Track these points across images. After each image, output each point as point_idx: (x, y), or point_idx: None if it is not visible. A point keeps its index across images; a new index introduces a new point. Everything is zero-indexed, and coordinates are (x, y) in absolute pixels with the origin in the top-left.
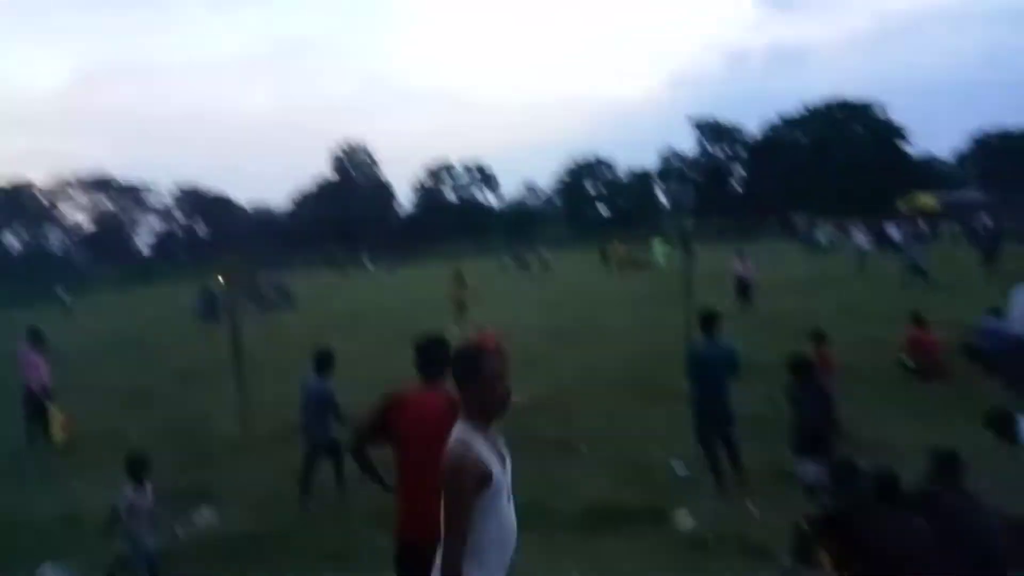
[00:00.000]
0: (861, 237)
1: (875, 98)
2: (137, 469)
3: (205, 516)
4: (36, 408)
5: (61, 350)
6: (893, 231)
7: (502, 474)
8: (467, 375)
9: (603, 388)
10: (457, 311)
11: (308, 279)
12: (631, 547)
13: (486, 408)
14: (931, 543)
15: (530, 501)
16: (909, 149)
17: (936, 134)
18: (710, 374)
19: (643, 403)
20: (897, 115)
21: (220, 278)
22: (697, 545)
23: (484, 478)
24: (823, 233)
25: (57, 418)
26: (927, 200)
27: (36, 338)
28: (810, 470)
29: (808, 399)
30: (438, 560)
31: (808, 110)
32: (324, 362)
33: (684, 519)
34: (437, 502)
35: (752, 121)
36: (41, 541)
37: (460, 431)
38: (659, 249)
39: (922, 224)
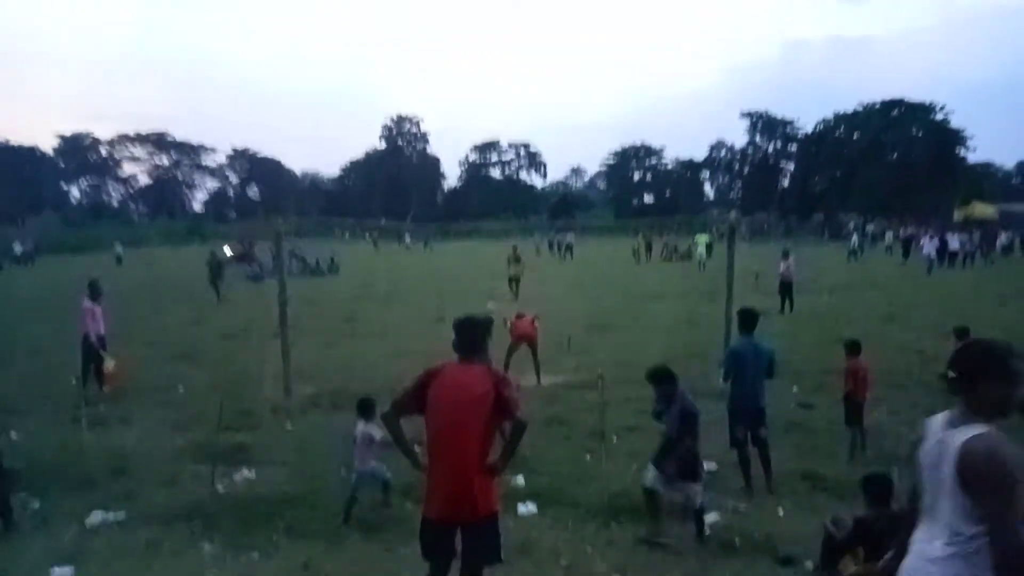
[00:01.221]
0: (929, 245)
1: (935, 100)
2: (368, 408)
3: (244, 474)
4: (91, 356)
5: (113, 301)
6: (954, 240)
7: None
8: (994, 372)
9: (638, 380)
10: (511, 286)
11: (340, 249)
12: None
13: (1002, 407)
14: None
15: (557, 485)
16: (968, 155)
17: (999, 142)
18: (747, 373)
19: None
20: (959, 120)
21: (227, 247)
22: (723, 543)
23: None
24: (857, 237)
25: (110, 367)
26: (985, 209)
27: (95, 290)
28: (650, 475)
29: (669, 413)
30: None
31: (864, 107)
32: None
33: (711, 517)
34: (467, 479)
35: (807, 117)
36: (91, 487)
37: (974, 428)
38: (703, 243)
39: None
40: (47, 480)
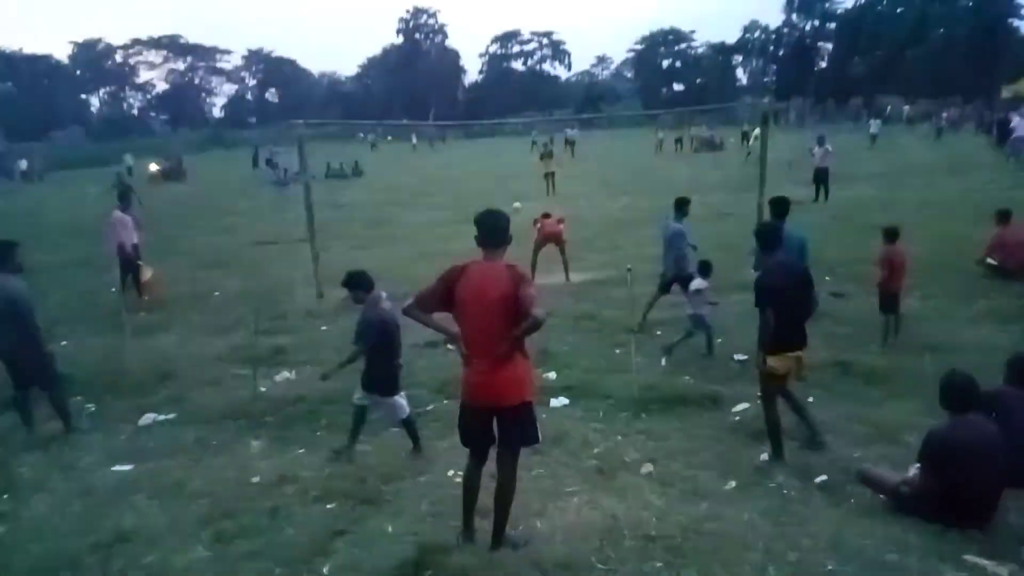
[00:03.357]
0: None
1: None
2: (706, 269)
3: (284, 375)
4: (128, 266)
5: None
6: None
7: None
8: None
9: None
10: (547, 182)
11: (357, 152)
12: (684, 428)
13: None
14: (997, 441)
15: (588, 379)
16: (1021, 27)
17: None
18: None
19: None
20: None
21: (153, 164)
22: (752, 432)
23: None
24: (875, 123)
25: (148, 276)
26: None
27: (125, 200)
28: (357, 394)
29: (359, 323)
30: None
31: None
32: (682, 205)
33: (740, 406)
34: (498, 367)
35: None
36: (140, 391)
37: None
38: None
39: None
40: (99, 385)
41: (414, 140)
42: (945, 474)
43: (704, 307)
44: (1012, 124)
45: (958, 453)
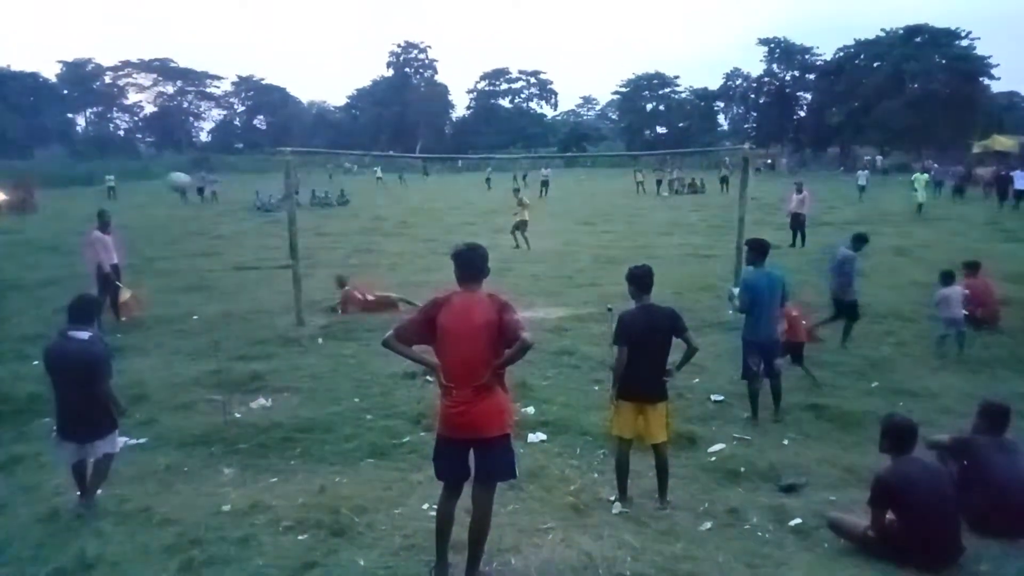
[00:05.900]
0: None
1: (960, 27)
2: (948, 278)
3: (259, 401)
4: (106, 287)
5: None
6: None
7: None
8: None
9: None
10: (514, 236)
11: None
12: None
13: None
14: (941, 476)
15: (566, 415)
16: (992, 85)
17: None
18: (763, 304)
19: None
20: (985, 47)
21: None
22: (727, 472)
23: None
24: (863, 174)
25: (126, 297)
26: (1006, 142)
27: (104, 221)
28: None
29: None
30: None
31: (886, 34)
32: (859, 239)
33: (716, 447)
34: (479, 398)
35: (828, 44)
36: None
37: None
38: (921, 185)
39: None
40: None
41: (378, 173)
42: (900, 513)
43: (958, 310)
44: None
45: (907, 491)
